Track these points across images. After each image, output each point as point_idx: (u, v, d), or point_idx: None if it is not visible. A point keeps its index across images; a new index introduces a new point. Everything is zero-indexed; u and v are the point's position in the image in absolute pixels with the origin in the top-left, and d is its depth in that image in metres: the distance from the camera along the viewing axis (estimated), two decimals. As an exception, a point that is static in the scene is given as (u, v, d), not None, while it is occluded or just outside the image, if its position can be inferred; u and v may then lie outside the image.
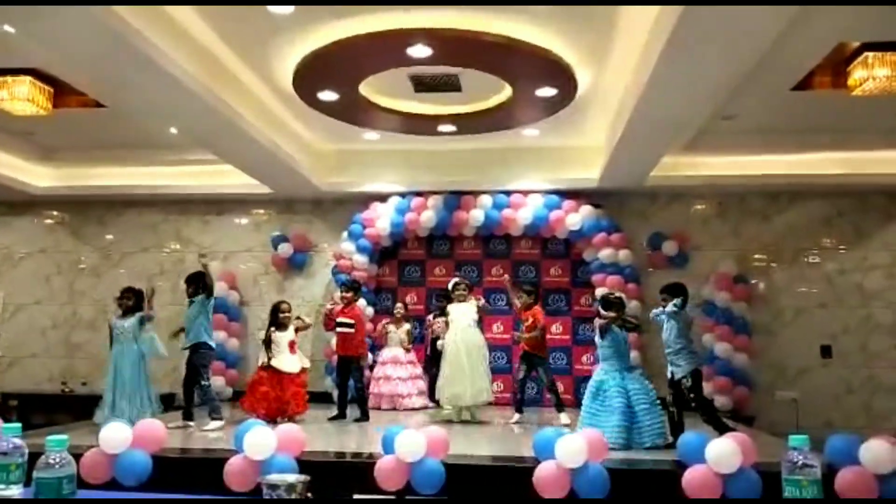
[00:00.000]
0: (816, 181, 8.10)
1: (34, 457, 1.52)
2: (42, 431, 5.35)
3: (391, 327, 8.20)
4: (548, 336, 8.36)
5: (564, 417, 6.61)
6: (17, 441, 1.53)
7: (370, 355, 7.96)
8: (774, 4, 3.98)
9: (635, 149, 6.81)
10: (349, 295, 7.13)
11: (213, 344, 6.53)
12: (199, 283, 6.44)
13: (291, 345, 6.80)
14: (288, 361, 6.72)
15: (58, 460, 1.46)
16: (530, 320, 6.86)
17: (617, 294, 6.25)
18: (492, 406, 7.36)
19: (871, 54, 5.51)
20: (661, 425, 5.42)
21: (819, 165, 7.93)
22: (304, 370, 6.90)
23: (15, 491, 1.48)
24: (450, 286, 7.32)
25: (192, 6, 4.98)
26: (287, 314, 6.91)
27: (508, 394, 8.62)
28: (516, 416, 6.76)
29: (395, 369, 8.04)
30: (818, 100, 6.46)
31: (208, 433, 5.96)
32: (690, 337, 5.65)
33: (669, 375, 5.59)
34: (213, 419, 6.18)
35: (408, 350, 8.16)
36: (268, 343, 6.78)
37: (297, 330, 7.00)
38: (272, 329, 6.84)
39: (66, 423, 6.74)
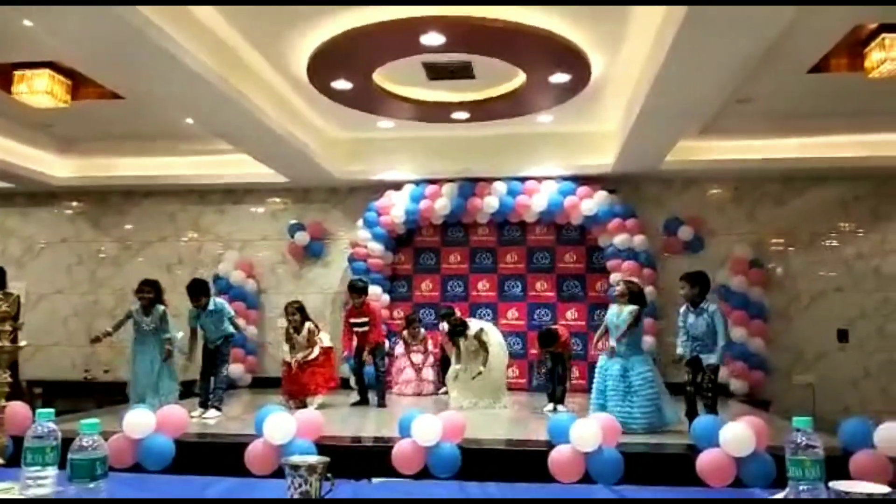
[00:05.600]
0: (833, 164, 8.02)
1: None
2: (66, 418, 5.46)
3: (405, 332, 8.30)
4: (563, 322, 8.43)
5: (549, 407, 6.65)
6: (51, 425, 1.60)
7: (387, 342, 8.02)
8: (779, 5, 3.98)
9: (650, 134, 6.80)
10: (361, 299, 7.14)
11: None
12: (206, 292, 6.37)
13: (309, 341, 6.91)
14: (302, 354, 6.86)
15: (91, 443, 1.52)
16: None
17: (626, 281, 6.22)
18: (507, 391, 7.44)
19: (888, 36, 5.45)
20: (649, 410, 5.42)
21: (836, 148, 7.86)
22: (324, 351, 6.94)
23: (50, 472, 1.55)
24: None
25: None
26: (294, 317, 6.91)
27: (524, 379, 8.71)
28: (549, 406, 6.71)
29: (414, 354, 8.16)
30: (835, 82, 6.40)
31: (207, 420, 6.00)
32: None
33: (689, 356, 5.59)
34: (217, 409, 6.25)
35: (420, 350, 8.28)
36: (289, 341, 6.96)
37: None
38: (291, 331, 6.95)
39: (90, 410, 6.87)
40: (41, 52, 5.91)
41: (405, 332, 8.29)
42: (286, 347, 6.98)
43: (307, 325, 6.93)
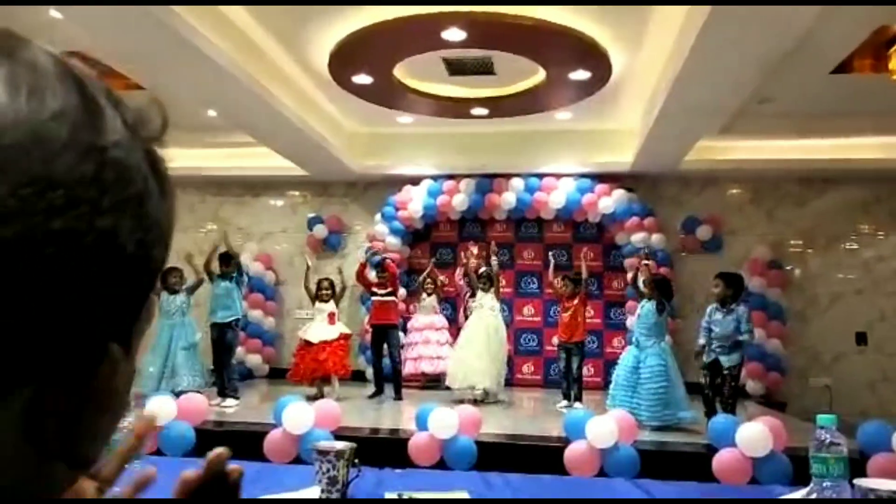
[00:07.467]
0: (854, 166, 7.93)
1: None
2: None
3: (424, 294, 8.30)
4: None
5: (563, 404, 6.65)
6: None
7: (401, 335, 8.03)
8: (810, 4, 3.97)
9: (669, 133, 6.77)
10: (385, 276, 7.26)
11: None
12: (236, 261, 6.63)
13: (331, 316, 6.99)
14: (321, 331, 6.94)
15: (126, 424, 1.57)
16: (572, 310, 6.86)
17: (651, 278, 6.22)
18: (520, 387, 7.45)
19: (914, 37, 5.40)
20: (653, 404, 5.44)
21: (857, 150, 7.78)
22: (343, 337, 7.07)
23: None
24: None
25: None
26: (326, 291, 7.11)
27: (538, 375, 8.71)
28: (563, 402, 6.71)
29: (432, 333, 8.13)
30: (858, 84, 6.34)
31: (225, 409, 6.07)
32: None
33: (710, 360, 5.59)
34: (233, 397, 6.33)
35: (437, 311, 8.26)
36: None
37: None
38: (326, 285, 7.16)
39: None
40: (67, 43, 5.94)
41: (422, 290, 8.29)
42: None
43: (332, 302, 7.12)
